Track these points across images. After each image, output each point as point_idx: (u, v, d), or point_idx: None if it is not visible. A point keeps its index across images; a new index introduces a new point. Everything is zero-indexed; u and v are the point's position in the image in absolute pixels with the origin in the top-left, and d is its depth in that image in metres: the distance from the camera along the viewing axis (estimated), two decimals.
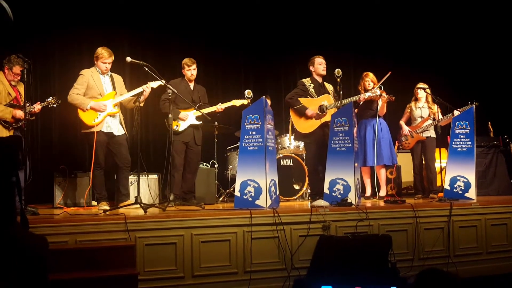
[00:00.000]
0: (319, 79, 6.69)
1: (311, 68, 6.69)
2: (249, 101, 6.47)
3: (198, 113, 6.44)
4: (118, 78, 6.23)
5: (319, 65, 6.64)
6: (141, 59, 5.71)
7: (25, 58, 5.40)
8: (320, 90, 6.65)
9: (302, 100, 6.51)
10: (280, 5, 9.52)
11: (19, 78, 5.80)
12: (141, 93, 5.82)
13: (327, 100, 6.56)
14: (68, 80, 6.53)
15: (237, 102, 6.73)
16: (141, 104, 5.92)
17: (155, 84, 5.98)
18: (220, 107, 6.56)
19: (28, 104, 5.69)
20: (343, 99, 6.35)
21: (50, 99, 6.14)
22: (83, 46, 8.16)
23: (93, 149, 5.78)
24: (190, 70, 6.53)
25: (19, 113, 5.66)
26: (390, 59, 9.65)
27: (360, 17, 9.90)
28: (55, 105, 6.20)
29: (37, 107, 5.98)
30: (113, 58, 6.04)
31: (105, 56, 5.97)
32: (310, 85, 6.61)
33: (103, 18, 8.28)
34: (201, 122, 6.54)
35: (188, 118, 6.46)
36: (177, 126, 6.38)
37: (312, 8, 9.69)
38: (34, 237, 3.09)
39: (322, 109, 6.49)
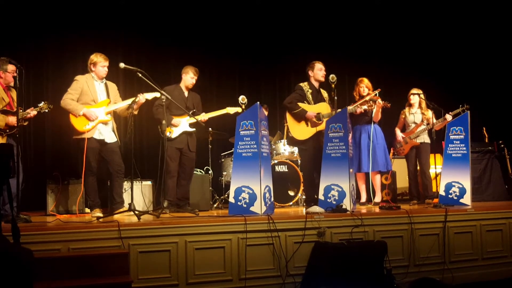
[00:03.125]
0: (316, 85, 6.69)
1: (310, 72, 6.69)
2: (244, 107, 6.45)
3: (192, 120, 6.41)
4: (112, 86, 6.21)
5: (319, 70, 6.64)
6: (134, 65, 5.67)
7: (18, 64, 5.35)
8: (317, 96, 6.65)
9: (300, 105, 6.50)
10: (275, 10, 9.53)
11: (16, 75, 5.68)
12: (134, 101, 5.79)
13: (324, 108, 6.55)
14: (61, 85, 6.49)
15: (231, 110, 6.69)
16: (135, 112, 5.89)
17: (150, 95, 6.00)
18: (204, 118, 6.52)
19: (21, 110, 5.63)
20: (337, 104, 6.33)
21: (42, 104, 6.00)
22: (77, 51, 8.11)
23: (84, 156, 5.75)
24: (194, 78, 6.56)
25: (12, 120, 5.59)
26: (385, 64, 9.69)
27: (354, 23, 9.92)
28: (47, 110, 6.07)
29: (32, 112, 5.89)
30: (108, 61, 6.04)
31: (102, 61, 5.98)
32: (308, 90, 6.61)
33: (96, 24, 8.25)
34: (194, 129, 6.51)
35: (180, 125, 6.43)
36: (170, 132, 6.35)
37: (307, 14, 9.70)
38: (18, 249, 3.04)
39: (319, 117, 6.48)
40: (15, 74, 5.63)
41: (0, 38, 7.48)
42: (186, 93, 6.59)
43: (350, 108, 6.65)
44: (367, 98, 6.90)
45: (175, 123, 6.40)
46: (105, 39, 8.12)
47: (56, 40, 8.14)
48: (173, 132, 6.38)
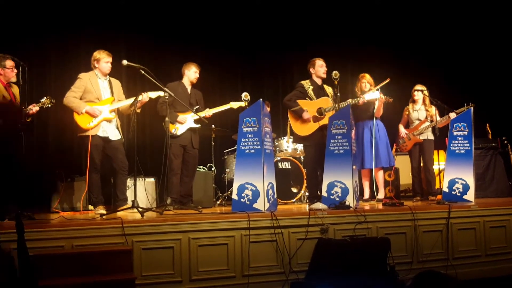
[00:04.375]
0: (319, 82, 6.68)
1: (311, 70, 6.69)
2: (247, 104, 6.45)
3: (196, 116, 6.41)
4: (116, 83, 6.20)
5: (320, 67, 6.64)
6: (137, 62, 5.66)
7: (21, 62, 5.35)
8: (320, 92, 6.64)
9: (301, 102, 6.50)
10: (277, 7, 9.51)
11: (16, 71, 5.65)
12: (137, 99, 5.79)
13: (325, 102, 6.54)
14: (64, 82, 6.49)
15: (234, 105, 6.70)
16: (138, 110, 5.88)
17: (153, 94, 6.01)
18: (208, 113, 6.51)
19: (23, 107, 5.62)
20: (341, 101, 6.33)
21: (44, 99, 5.88)
22: (80, 48, 8.13)
23: (88, 153, 5.75)
24: (197, 72, 6.57)
25: None
26: (388, 60, 9.65)
27: (357, 19, 9.89)
28: (49, 105, 5.97)
29: (35, 108, 5.85)
30: (111, 57, 6.04)
31: (105, 57, 5.99)
32: (309, 87, 6.60)
33: (99, 21, 8.25)
34: (199, 125, 6.51)
35: (186, 121, 6.42)
36: (175, 129, 6.35)
37: (309, 10, 9.68)
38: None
39: (320, 112, 6.47)
40: (14, 70, 5.63)
41: (0, 38, 7.48)
42: (189, 89, 6.59)
43: (353, 100, 6.62)
44: (378, 86, 6.88)
45: (181, 121, 6.39)
46: (106, 38, 8.09)
47: (57, 40, 8.13)
48: (179, 129, 6.38)
